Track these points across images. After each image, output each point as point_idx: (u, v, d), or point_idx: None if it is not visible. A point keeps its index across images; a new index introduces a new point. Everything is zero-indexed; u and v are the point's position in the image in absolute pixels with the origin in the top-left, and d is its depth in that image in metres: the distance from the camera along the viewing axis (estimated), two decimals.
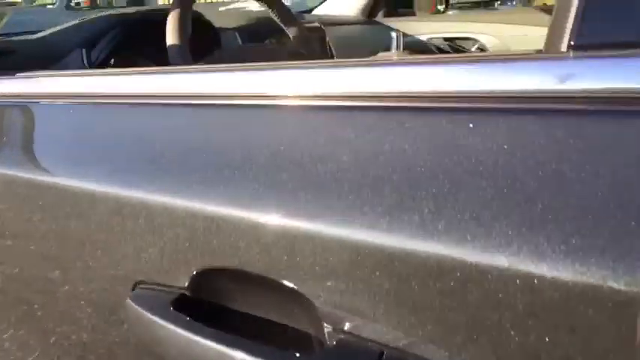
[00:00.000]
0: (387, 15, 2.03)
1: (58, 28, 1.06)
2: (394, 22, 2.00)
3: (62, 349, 0.60)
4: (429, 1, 2.55)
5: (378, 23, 1.98)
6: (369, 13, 1.99)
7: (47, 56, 0.91)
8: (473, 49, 1.95)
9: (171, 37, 0.90)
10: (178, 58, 0.89)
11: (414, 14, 2.19)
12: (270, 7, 1.10)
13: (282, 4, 1.13)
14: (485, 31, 1.90)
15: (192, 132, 0.51)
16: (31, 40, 1.01)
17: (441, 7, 2.71)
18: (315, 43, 1.15)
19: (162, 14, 1.16)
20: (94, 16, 1.06)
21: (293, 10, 1.99)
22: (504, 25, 1.87)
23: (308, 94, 0.47)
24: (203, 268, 0.46)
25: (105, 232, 0.52)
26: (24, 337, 0.65)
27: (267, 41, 1.22)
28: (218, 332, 0.43)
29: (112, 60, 0.98)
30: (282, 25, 1.13)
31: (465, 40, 1.96)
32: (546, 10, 1.83)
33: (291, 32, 1.14)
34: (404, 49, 1.89)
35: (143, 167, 0.51)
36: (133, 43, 1.05)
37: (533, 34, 1.81)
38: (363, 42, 1.73)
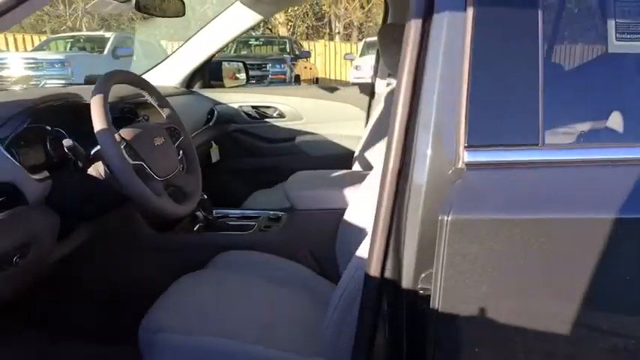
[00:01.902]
0: (203, 86, 2.41)
1: None
2: (210, 92, 2.40)
3: None
4: (229, 72, 3.04)
5: (197, 93, 2.35)
6: (187, 84, 2.35)
7: None
8: (274, 114, 2.46)
9: (98, 122, 1.05)
10: (108, 140, 1.05)
11: (223, 86, 2.62)
12: (147, 92, 1.34)
13: (155, 89, 1.37)
14: (283, 101, 2.44)
15: None
16: None
17: (240, 76, 3.22)
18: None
19: (65, 99, 1.30)
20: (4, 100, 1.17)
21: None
22: (298, 97, 2.44)
23: None
24: None
25: None
26: None
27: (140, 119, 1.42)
28: None
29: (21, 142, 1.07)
30: (156, 106, 1.39)
31: (267, 107, 2.46)
32: (327, 88, 2.46)
33: (164, 113, 1.40)
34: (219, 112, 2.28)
35: None
36: (51, 119, 1.18)
37: (320, 105, 2.42)
38: (189, 110, 2.07)
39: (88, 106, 1.36)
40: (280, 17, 15.08)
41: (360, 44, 12.39)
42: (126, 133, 1.16)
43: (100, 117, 1.05)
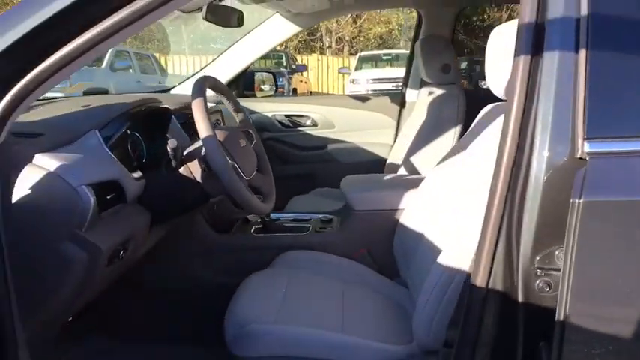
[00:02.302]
0: (237, 96, 2.48)
1: (74, 110, 1.19)
2: (244, 102, 2.47)
3: None
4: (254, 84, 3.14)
5: None
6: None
7: (67, 136, 1.05)
8: (307, 123, 2.54)
9: (202, 123, 1.10)
10: (213, 140, 1.11)
11: (255, 96, 2.70)
12: (226, 97, 1.41)
13: (232, 95, 1.45)
14: (316, 110, 2.52)
15: None
16: (53, 122, 1.13)
17: (264, 87, 3.31)
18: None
19: (157, 105, 1.35)
20: (103, 103, 1.23)
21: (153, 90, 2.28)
22: (330, 107, 2.52)
23: None
24: None
25: None
26: None
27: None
28: None
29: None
30: (231, 111, 1.46)
31: (300, 116, 2.54)
32: (358, 97, 2.55)
33: (238, 117, 1.48)
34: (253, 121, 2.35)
35: None
36: (140, 125, 1.24)
37: (352, 114, 2.51)
38: (225, 119, 2.14)
39: (166, 111, 1.43)
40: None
41: (354, 58, 12.59)
42: (219, 134, 1.22)
43: (203, 119, 1.12)
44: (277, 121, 2.52)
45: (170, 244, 1.55)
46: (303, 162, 2.52)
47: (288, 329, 1.16)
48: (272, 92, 2.92)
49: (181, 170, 1.21)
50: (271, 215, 1.75)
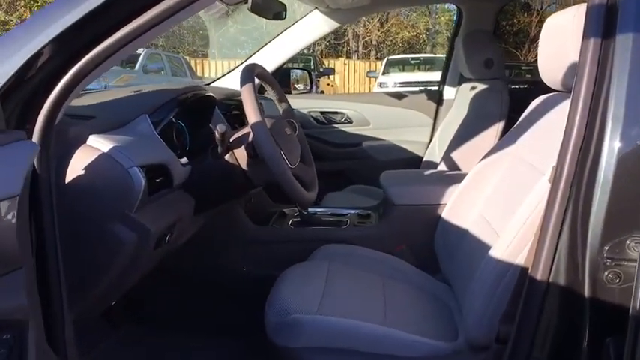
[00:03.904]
0: None
1: (125, 95, 1.22)
2: None
3: None
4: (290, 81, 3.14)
5: (268, 98, 2.42)
6: (259, 89, 2.43)
7: (119, 119, 1.07)
8: (342, 120, 2.53)
9: (251, 110, 1.10)
10: (262, 126, 1.10)
11: (290, 92, 2.70)
12: (270, 86, 1.42)
13: (278, 85, 1.45)
14: (351, 107, 2.50)
15: None
16: (105, 106, 1.15)
17: (298, 86, 3.31)
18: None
19: (203, 93, 1.37)
20: (153, 89, 1.24)
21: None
22: (365, 104, 2.50)
23: None
24: None
25: None
26: None
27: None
28: None
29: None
30: (275, 101, 1.46)
31: (335, 113, 2.53)
32: (393, 94, 2.53)
33: (282, 107, 1.48)
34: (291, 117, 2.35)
35: None
36: (185, 113, 1.26)
37: (387, 112, 2.48)
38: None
39: (212, 99, 1.44)
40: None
41: (381, 63, 12.54)
42: (267, 121, 1.22)
43: (252, 105, 1.11)
44: (312, 117, 2.51)
45: (209, 234, 1.55)
46: (338, 159, 2.51)
47: (331, 320, 1.14)
48: (306, 91, 2.92)
49: (227, 157, 1.21)
50: (309, 209, 1.74)
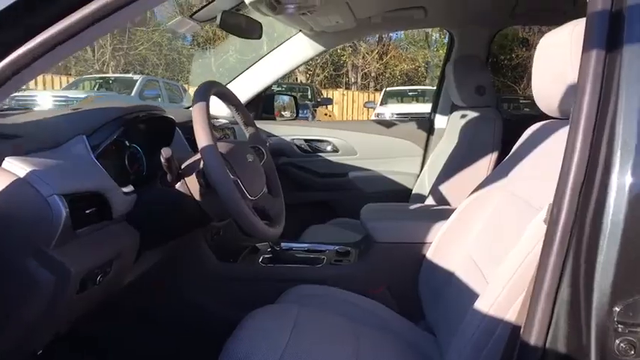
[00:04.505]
0: (256, 118, 2.36)
1: (62, 114, 1.08)
2: (262, 124, 2.34)
3: None
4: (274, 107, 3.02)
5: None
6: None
7: (50, 140, 0.93)
8: (328, 148, 2.39)
9: (201, 132, 0.95)
10: (212, 151, 0.95)
11: (274, 119, 2.58)
12: (235, 108, 1.26)
13: (243, 106, 1.30)
14: (337, 135, 2.37)
15: None
16: (36, 125, 1.01)
17: (285, 114, 3.19)
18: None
19: (159, 114, 1.24)
20: (95, 106, 1.11)
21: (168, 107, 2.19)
22: (352, 132, 2.37)
23: None
24: None
25: None
26: None
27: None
28: None
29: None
30: (240, 124, 1.32)
31: (320, 141, 2.40)
32: (382, 123, 2.40)
33: (248, 131, 1.33)
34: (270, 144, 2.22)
35: None
36: (131, 135, 1.12)
37: (375, 140, 2.35)
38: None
39: (171, 121, 1.30)
40: (300, 66, 15.45)
41: (379, 94, 12.58)
42: (222, 147, 1.07)
43: (203, 127, 0.97)
44: (296, 145, 2.38)
45: (168, 271, 1.38)
46: (322, 189, 2.36)
47: None
48: (292, 118, 2.80)
49: (177, 186, 1.06)
50: (282, 244, 1.57)
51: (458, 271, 1.19)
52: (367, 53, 16.35)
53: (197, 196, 1.05)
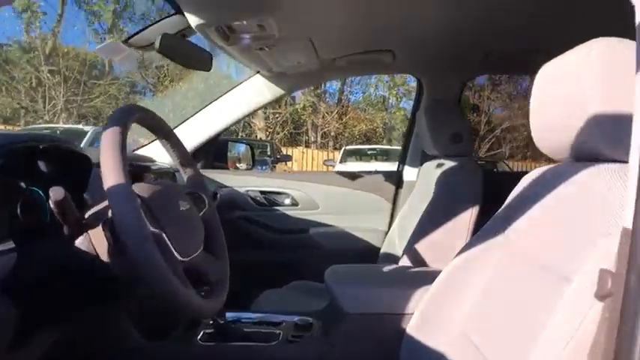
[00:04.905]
0: (206, 166, 2.11)
1: None
2: (214, 174, 2.09)
3: None
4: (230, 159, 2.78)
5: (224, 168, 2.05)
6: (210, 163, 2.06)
7: None
8: (286, 202, 2.14)
9: (110, 167, 0.71)
10: (124, 193, 0.71)
11: (227, 168, 2.33)
12: (170, 143, 1.01)
13: (180, 141, 1.04)
14: (297, 188, 2.13)
15: None
16: None
17: (241, 166, 2.95)
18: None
19: (65, 147, 0.96)
20: None
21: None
22: (314, 184, 2.14)
23: None
24: None
25: None
26: None
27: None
28: None
29: None
30: (179, 165, 1.05)
31: (278, 194, 2.15)
32: (347, 175, 2.19)
33: (186, 173, 1.07)
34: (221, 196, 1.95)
35: None
36: (36, 175, 0.83)
37: (339, 194, 2.13)
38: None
39: (81, 157, 1.02)
40: (260, 123, 15.46)
41: (339, 152, 12.63)
42: (142, 189, 0.81)
43: (112, 159, 0.71)
44: (251, 197, 2.12)
45: (70, 357, 1.05)
46: (280, 248, 2.08)
47: None
48: (249, 168, 2.57)
49: (78, 241, 0.77)
50: (227, 315, 1.27)
51: (449, 352, 0.94)
52: (327, 113, 16.61)
53: (104, 256, 0.76)
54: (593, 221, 0.69)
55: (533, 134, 0.90)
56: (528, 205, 0.90)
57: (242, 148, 2.51)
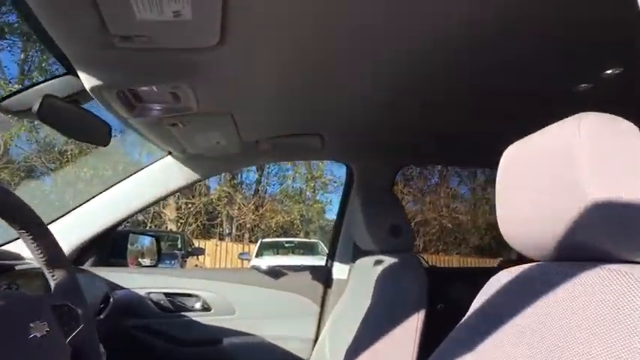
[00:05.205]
0: (100, 263, 1.74)
1: None
2: (108, 272, 1.72)
3: None
4: (131, 254, 2.39)
5: (87, 272, 1.66)
6: (75, 259, 1.67)
7: None
8: (196, 306, 1.80)
9: None
10: None
11: (127, 265, 1.96)
12: (30, 235, 0.70)
13: (51, 237, 0.75)
14: (209, 288, 1.81)
15: None
16: None
17: (144, 262, 2.55)
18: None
19: None
20: None
21: None
22: (229, 284, 1.84)
23: None
24: None
25: None
26: None
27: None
28: None
29: None
30: (43, 265, 0.73)
31: (186, 296, 1.81)
32: (268, 272, 1.92)
33: (56, 276, 0.74)
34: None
35: None
36: None
37: (259, 295, 1.83)
38: None
39: None
40: (171, 214, 14.75)
41: (255, 245, 12.23)
42: None
43: None
44: (153, 301, 1.76)
45: None
46: None
47: None
48: (154, 264, 2.20)
49: None
50: None
51: None
52: (243, 204, 16.33)
53: None
54: (621, 339, 0.51)
55: (500, 227, 0.75)
56: (502, 312, 0.71)
57: (146, 240, 2.15)
